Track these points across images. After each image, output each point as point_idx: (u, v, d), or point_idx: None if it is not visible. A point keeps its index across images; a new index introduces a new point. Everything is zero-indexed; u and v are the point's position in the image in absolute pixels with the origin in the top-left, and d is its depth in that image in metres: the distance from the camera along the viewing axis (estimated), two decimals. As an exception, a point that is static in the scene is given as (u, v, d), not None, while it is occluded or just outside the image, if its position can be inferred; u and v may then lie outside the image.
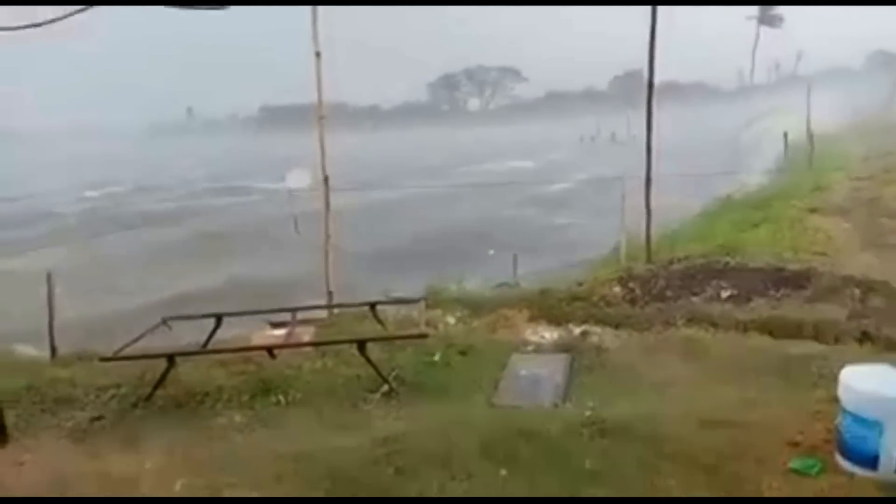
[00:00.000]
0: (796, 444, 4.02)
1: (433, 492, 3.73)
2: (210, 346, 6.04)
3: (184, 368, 5.51)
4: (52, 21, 6.50)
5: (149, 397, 5.26)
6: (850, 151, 23.68)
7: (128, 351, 5.50)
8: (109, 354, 5.52)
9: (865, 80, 63.92)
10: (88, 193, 29.23)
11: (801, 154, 21.17)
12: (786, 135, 22.57)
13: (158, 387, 5.28)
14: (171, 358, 5.33)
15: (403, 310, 7.56)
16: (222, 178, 37.09)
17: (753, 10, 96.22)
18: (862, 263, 8.17)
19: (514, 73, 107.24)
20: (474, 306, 7.76)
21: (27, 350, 6.97)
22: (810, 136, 21.58)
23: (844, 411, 3.78)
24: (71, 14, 6.41)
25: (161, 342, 5.98)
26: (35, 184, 35.91)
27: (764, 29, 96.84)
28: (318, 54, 8.19)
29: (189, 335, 6.40)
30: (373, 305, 6.55)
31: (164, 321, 6.05)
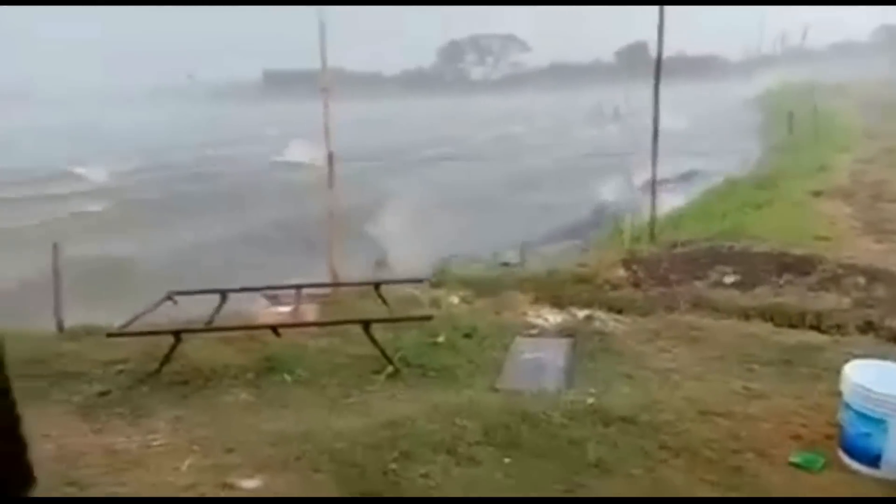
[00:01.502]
0: (798, 438, 4.07)
1: (438, 478, 3.78)
2: (215, 322, 6.06)
3: (190, 344, 5.54)
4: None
5: (156, 373, 5.29)
6: (855, 128, 23.53)
7: (135, 326, 5.53)
8: (115, 327, 5.57)
9: (870, 55, 63.33)
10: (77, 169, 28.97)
11: (807, 131, 21.05)
12: (790, 113, 22.43)
13: (165, 363, 5.31)
14: (177, 334, 5.36)
15: (408, 287, 7.60)
16: (222, 147, 36.84)
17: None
18: (865, 250, 8.17)
19: (519, 43, 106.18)
20: (478, 286, 7.79)
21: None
22: (815, 112, 21.44)
23: (847, 407, 3.82)
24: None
25: (165, 319, 6.01)
26: (32, 149, 35.75)
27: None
28: (322, 25, 8.10)
29: (193, 311, 6.43)
30: (377, 285, 6.57)
31: (170, 296, 6.07)
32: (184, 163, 30.91)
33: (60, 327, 6.47)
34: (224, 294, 6.21)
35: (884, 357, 4.39)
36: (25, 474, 0.75)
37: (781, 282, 7.05)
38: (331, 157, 8.42)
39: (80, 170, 27.97)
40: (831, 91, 31.86)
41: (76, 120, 54.47)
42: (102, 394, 5.08)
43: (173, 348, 5.30)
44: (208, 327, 5.86)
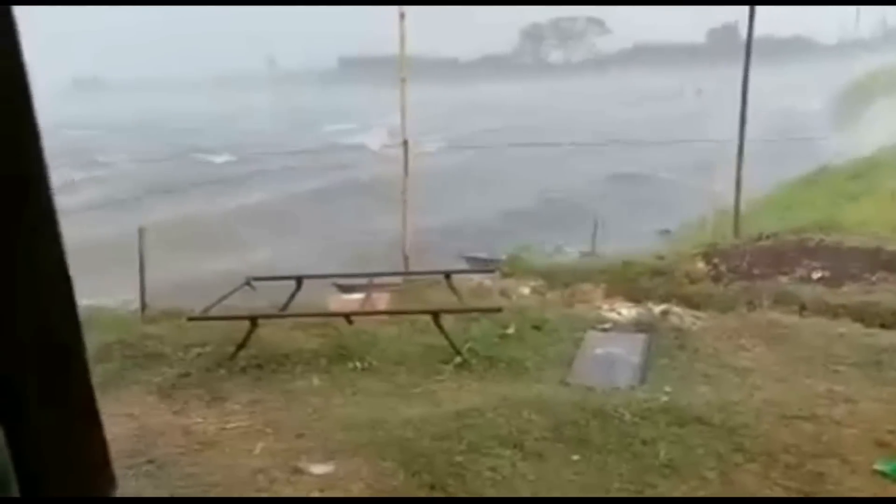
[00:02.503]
0: (885, 445, 3.85)
1: (505, 471, 3.76)
2: (290, 309, 6.21)
3: (265, 330, 5.69)
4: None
5: (232, 357, 5.46)
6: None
7: (213, 311, 5.73)
8: (197, 313, 5.79)
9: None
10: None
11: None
12: (890, 99, 21.13)
13: (242, 347, 5.47)
14: (253, 320, 5.51)
15: (478, 276, 7.59)
16: (300, 134, 37.64)
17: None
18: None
19: (598, 24, 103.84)
20: (550, 276, 7.70)
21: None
22: (919, 99, 20.14)
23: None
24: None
25: (242, 303, 6.20)
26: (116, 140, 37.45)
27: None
28: (402, 15, 8.13)
29: (270, 295, 6.60)
30: (447, 274, 6.57)
31: (248, 282, 6.25)
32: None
33: (143, 308, 6.77)
34: (300, 281, 6.34)
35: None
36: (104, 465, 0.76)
37: (874, 279, 6.66)
38: (406, 145, 8.48)
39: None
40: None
41: (160, 107, 56.71)
42: (182, 376, 5.29)
43: (250, 334, 5.46)
44: (283, 314, 6.01)
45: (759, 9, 8.88)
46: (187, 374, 5.29)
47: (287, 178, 23.25)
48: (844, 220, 8.87)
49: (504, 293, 7.04)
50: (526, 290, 7.30)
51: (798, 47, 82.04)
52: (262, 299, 6.45)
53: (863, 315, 5.97)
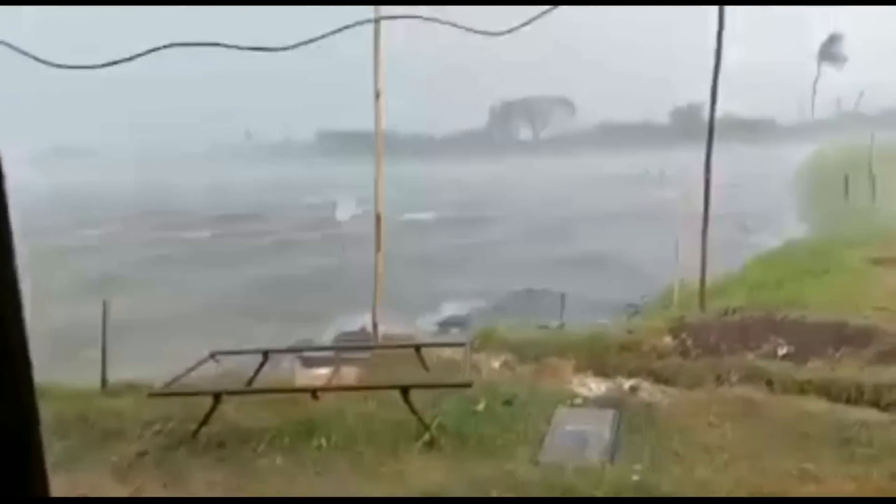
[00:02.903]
0: (855, 526, 3.82)
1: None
2: (255, 384, 6.08)
3: (229, 406, 5.55)
4: (115, 62, 6.83)
5: (194, 435, 5.30)
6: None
7: (176, 386, 5.58)
8: (159, 385, 5.64)
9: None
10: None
11: (863, 196, 20.53)
12: (847, 177, 21.95)
13: (203, 424, 5.32)
14: (217, 396, 5.37)
15: (449, 349, 7.52)
16: (274, 205, 37.81)
17: (815, 46, 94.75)
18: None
19: (566, 104, 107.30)
20: (520, 350, 7.67)
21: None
22: (872, 178, 20.94)
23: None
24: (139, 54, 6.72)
25: (209, 375, 6.06)
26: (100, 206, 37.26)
27: (826, 68, 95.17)
28: (378, 94, 8.30)
29: (236, 370, 6.47)
30: (418, 347, 6.51)
31: (213, 356, 6.13)
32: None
33: (104, 382, 6.58)
34: (266, 355, 6.23)
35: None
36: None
37: (838, 354, 6.74)
38: (378, 219, 8.52)
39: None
40: (888, 157, 31.12)
41: (142, 179, 56.88)
42: (140, 455, 5.10)
43: (212, 410, 5.31)
44: (248, 389, 5.88)
45: (722, 90, 9.21)
46: (145, 453, 5.11)
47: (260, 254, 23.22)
48: (808, 295, 9.04)
49: (475, 367, 6.97)
50: (496, 365, 7.26)
51: (760, 128, 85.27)
52: (228, 374, 6.32)
53: (829, 391, 6.00)
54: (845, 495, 4.15)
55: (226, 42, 7.50)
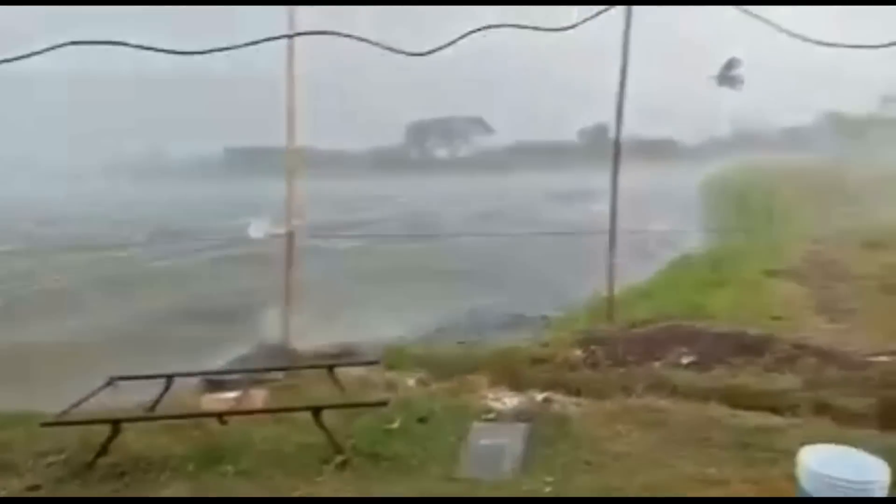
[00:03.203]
0: (756, 526, 3.98)
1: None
2: (158, 410, 5.81)
3: (130, 435, 5.26)
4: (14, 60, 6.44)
5: (90, 465, 5.01)
6: (806, 212, 24.33)
7: (72, 414, 5.26)
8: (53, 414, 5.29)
9: (817, 139, 66.29)
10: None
11: (759, 213, 21.71)
12: (744, 194, 23.18)
13: (101, 454, 5.03)
14: (116, 423, 5.10)
15: (362, 368, 7.42)
16: (181, 223, 36.57)
17: (714, 70, 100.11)
18: (818, 330, 8.28)
19: (480, 124, 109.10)
20: (435, 367, 7.65)
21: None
22: (767, 195, 22.19)
23: (804, 492, 3.75)
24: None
25: (110, 401, 5.74)
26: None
27: (724, 90, 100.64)
28: (290, 110, 8.18)
29: (139, 393, 6.16)
30: (330, 367, 6.39)
31: (112, 381, 5.81)
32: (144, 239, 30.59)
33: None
34: (170, 379, 5.97)
35: (838, 439, 4.37)
36: None
37: (738, 362, 7.05)
38: (291, 236, 8.37)
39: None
40: (782, 174, 33.14)
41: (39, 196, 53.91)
42: (31, 488, 4.78)
43: (111, 439, 5.04)
44: (149, 415, 5.61)
45: (627, 111, 9.54)
46: (37, 487, 4.79)
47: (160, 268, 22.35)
48: (709, 306, 9.44)
49: (389, 385, 6.91)
50: (411, 382, 7.21)
51: (663, 148, 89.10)
52: (129, 399, 6.01)
53: (730, 397, 6.26)
54: (745, 497, 4.32)
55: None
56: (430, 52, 8.60)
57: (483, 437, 5.52)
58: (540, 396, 6.36)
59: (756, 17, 8.23)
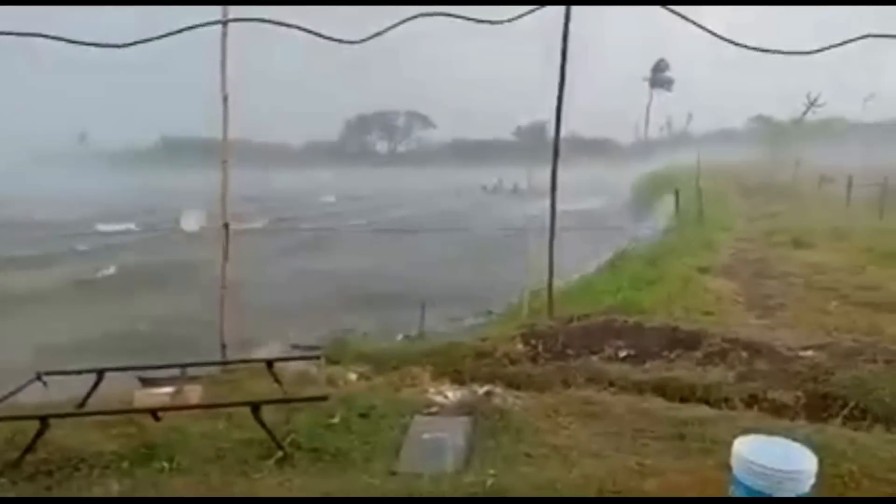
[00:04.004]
0: (692, 515, 4.08)
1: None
2: (89, 405, 5.59)
3: (59, 431, 5.05)
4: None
5: (17, 463, 4.78)
6: (735, 211, 25.22)
7: (-2, 410, 5.02)
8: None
9: (746, 141, 68.86)
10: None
11: (691, 211, 22.36)
12: (677, 192, 23.83)
13: (28, 451, 4.81)
14: (43, 419, 4.88)
15: (303, 363, 7.32)
16: (113, 215, 35.36)
17: (646, 71, 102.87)
18: (748, 325, 8.59)
19: (422, 119, 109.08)
20: (377, 361, 7.62)
21: None
22: (699, 194, 22.87)
23: (737, 481, 3.87)
24: None
25: (36, 399, 5.50)
26: None
27: (657, 92, 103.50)
28: (225, 98, 7.96)
29: (69, 390, 5.93)
30: (270, 362, 6.27)
31: (39, 376, 5.56)
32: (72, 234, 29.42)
33: None
34: (100, 374, 5.75)
35: (768, 430, 4.53)
36: None
37: (672, 356, 7.25)
38: (227, 228, 8.17)
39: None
40: (713, 174, 34.25)
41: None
42: (-47, 487, 4.54)
43: (38, 435, 4.82)
44: (78, 411, 5.39)
45: (566, 111, 9.67)
46: (-41, 486, 4.55)
47: (88, 259, 21.55)
48: (643, 301, 9.68)
49: (330, 380, 6.83)
50: (353, 377, 7.15)
51: (599, 147, 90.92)
52: (59, 396, 5.76)
53: (665, 390, 6.43)
54: (681, 487, 4.43)
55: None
56: (363, 41, 8.55)
57: (425, 431, 5.51)
58: (482, 390, 6.39)
59: (687, 19, 8.47)
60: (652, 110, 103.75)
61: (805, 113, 65.47)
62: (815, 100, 64.68)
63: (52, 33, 7.65)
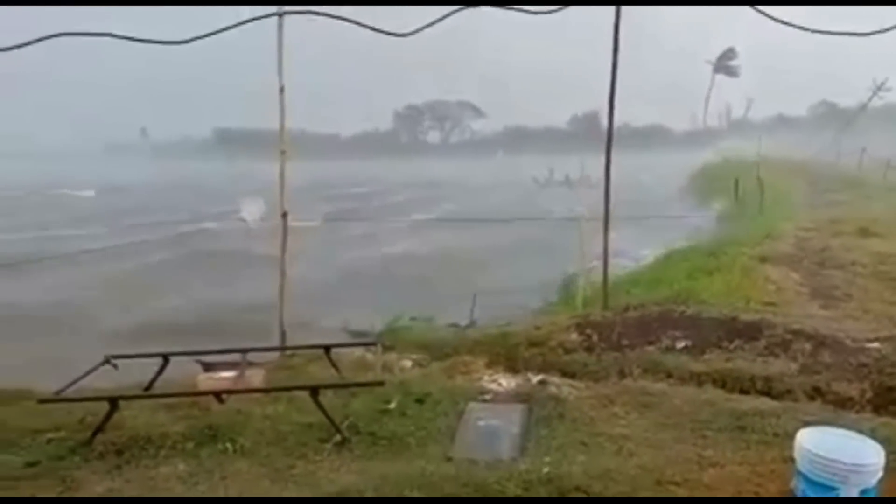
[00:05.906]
0: (752, 506, 4.02)
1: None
2: (155, 388, 5.81)
3: (127, 412, 5.27)
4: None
5: (88, 443, 5.01)
6: (798, 200, 24.45)
7: (69, 392, 5.25)
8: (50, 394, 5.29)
9: (810, 128, 66.56)
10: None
11: (752, 200, 21.76)
12: (737, 181, 23.22)
13: (99, 431, 5.03)
14: (113, 401, 5.09)
15: (359, 350, 7.44)
16: (175, 205, 36.39)
17: (712, 57, 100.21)
18: (811, 315, 8.34)
19: (473, 109, 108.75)
20: (431, 348, 7.68)
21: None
22: (760, 182, 22.22)
23: (800, 474, 3.79)
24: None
25: (107, 382, 5.73)
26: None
27: (719, 78, 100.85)
28: (282, 89, 8.12)
29: (136, 374, 6.16)
30: (327, 348, 6.39)
31: (108, 360, 5.79)
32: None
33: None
34: (166, 358, 5.96)
35: (831, 422, 4.42)
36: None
37: (731, 347, 7.10)
38: (285, 218, 8.34)
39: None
40: (773, 163, 33.24)
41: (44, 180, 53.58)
42: (30, 465, 4.77)
43: (109, 416, 5.03)
44: (146, 394, 5.60)
45: (618, 99, 9.52)
46: (36, 463, 4.78)
47: (153, 249, 22.23)
48: (702, 292, 9.48)
49: (386, 367, 6.93)
50: (408, 363, 7.23)
51: (654, 135, 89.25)
52: (127, 378, 6.00)
53: (724, 381, 6.32)
54: (741, 479, 4.36)
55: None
56: (413, 33, 8.58)
57: (480, 418, 5.55)
58: (536, 378, 6.38)
59: (768, 16, 8.25)
60: (710, 98, 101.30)
61: (871, 98, 62.78)
62: (882, 84, 61.92)
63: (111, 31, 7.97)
